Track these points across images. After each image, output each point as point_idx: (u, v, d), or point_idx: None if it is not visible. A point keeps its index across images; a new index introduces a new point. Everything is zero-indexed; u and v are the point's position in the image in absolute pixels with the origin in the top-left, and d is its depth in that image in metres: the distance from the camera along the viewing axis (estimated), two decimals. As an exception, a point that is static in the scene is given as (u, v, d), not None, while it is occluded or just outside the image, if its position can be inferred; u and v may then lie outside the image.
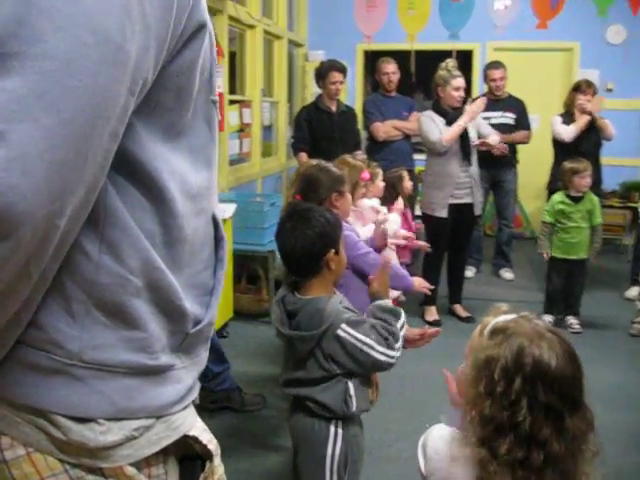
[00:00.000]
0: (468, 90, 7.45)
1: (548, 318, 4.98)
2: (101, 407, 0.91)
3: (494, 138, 4.94)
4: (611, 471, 3.04)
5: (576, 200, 4.84)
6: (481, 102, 4.83)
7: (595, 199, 4.87)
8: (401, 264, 4.45)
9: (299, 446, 2.19)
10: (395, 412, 3.52)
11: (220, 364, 3.59)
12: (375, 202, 4.19)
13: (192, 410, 1.06)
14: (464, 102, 4.94)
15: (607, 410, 3.68)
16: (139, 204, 0.91)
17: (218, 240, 1.11)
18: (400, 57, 7.03)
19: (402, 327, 2.10)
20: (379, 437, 3.22)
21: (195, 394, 1.08)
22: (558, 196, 4.93)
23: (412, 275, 5.34)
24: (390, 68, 5.96)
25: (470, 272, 6.32)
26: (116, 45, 0.75)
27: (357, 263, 2.71)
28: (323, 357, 2.01)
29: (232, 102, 5.76)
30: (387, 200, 4.32)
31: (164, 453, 1.00)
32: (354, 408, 2.06)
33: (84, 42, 0.72)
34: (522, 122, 6.14)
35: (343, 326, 1.98)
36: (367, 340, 1.99)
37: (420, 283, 3.07)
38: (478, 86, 7.58)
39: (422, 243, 4.61)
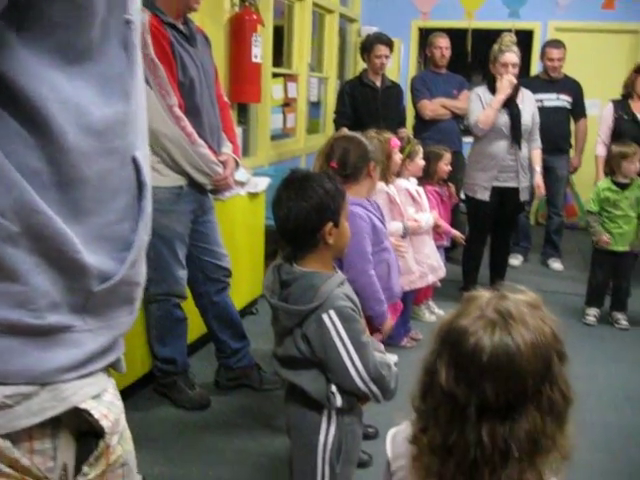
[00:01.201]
0: (527, 70, 7.18)
1: (593, 312, 4.73)
2: None
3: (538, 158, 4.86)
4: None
5: (623, 187, 4.54)
6: (508, 80, 4.53)
7: None
8: (439, 247, 4.28)
9: (292, 432, 2.06)
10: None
11: (239, 340, 3.48)
12: (412, 183, 4.01)
13: (97, 380, 0.92)
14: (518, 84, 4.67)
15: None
16: (17, 136, 0.77)
17: (140, 187, 0.96)
18: (457, 35, 6.79)
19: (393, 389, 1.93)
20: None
21: (106, 362, 0.94)
22: (604, 183, 4.63)
23: (449, 259, 5.21)
24: (443, 43, 5.72)
25: (517, 260, 6.08)
26: None
27: (347, 261, 2.49)
28: (300, 336, 1.85)
29: (276, 75, 5.62)
30: (423, 179, 4.14)
31: (54, 426, 0.87)
32: (338, 404, 1.89)
33: None
34: (578, 107, 5.83)
35: (331, 312, 1.81)
36: (347, 342, 1.81)
37: (388, 328, 2.75)
38: (537, 67, 7.25)
39: (457, 234, 4.43)
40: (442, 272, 4.17)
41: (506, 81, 4.49)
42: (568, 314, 4.85)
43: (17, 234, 0.78)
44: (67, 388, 0.86)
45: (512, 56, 4.53)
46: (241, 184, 4.08)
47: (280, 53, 5.99)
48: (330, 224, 1.88)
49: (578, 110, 5.85)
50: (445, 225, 4.34)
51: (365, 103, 5.24)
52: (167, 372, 3.31)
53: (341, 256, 2.07)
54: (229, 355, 3.47)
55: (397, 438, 1.33)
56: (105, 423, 0.90)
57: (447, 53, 5.70)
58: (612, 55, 7.26)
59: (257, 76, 4.49)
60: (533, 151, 4.81)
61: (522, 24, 7.38)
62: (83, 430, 0.91)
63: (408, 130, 5.71)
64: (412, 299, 4.30)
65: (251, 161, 5.03)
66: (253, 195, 4.34)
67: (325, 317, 1.81)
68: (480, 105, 4.61)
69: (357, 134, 2.74)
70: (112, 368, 1.00)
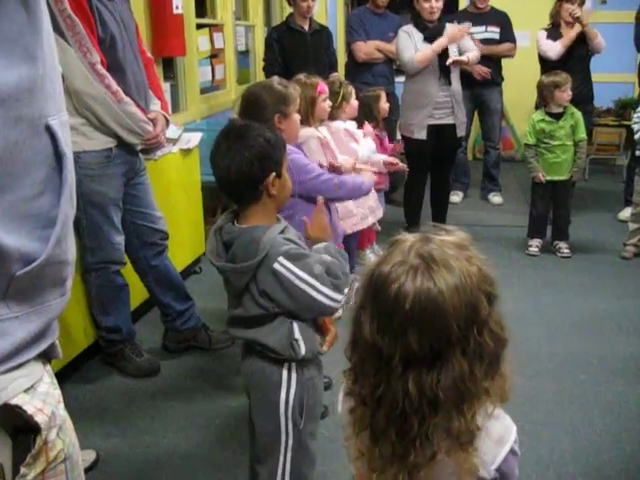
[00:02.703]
0: (456, 3, 7.11)
1: (536, 242, 4.80)
2: None
3: (473, 54, 4.65)
4: (592, 400, 2.90)
5: (557, 117, 4.57)
6: (464, 30, 4.52)
7: (578, 113, 4.59)
8: (378, 191, 4.26)
9: (251, 391, 2.02)
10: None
11: (183, 302, 3.41)
12: (350, 124, 3.95)
13: (29, 370, 0.85)
14: (442, 17, 4.61)
15: (594, 337, 3.52)
16: None
17: (59, 159, 0.87)
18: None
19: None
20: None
21: (38, 349, 0.86)
22: (538, 114, 4.65)
23: (391, 202, 5.21)
24: None
25: (457, 197, 6.11)
26: None
27: (308, 188, 2.50)
28: (258, 293, 1.79)
29: (201, 26, 5.42)
30: (361, 121, 4.07)
31: None
32: (303, 352, 1.85)
33: None
34: (507, 36, 5.79)
35: (280, 259, 1.75)
36: (307, 277, 1.77)
37: (371, 178, 3.06)
38: (465, 0, 7.18)
39: (400, 164, 4.40)
40: (380, 212, 4.18)
41: (458, 30, 4.45)
42: (511, 246, 4.92)
43: None
44: None
45: None
46: (172, 141, 3.95)
47: (203, 2, 5.77)
48: (273, 174, 1.82)
49: (507, 39, 5.80)
50: (384, 157, 4.29)
51: (294, 49, 5.11)
52: (113, 341, 3.22)
53: (282, 207, 2.00)
54: (175, 317, 3.40)
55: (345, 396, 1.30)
56: (40, 418, 0.83)
57: None
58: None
59: (180, 28, 4.31)
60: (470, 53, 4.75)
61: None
62: (19, 425, 0.84)
63: (340, 72, 5.61)
64: (356, 244, 4.28)
65: (182, 116, 4.87)
66: (186, 151, 4.21)
67: (277, 266, 1.75)
68: (410, 42, 4.54)
69: (270, 81, 2.64)
70: (47, 355, 0.92)
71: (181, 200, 4.18)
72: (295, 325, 1.86)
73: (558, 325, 3.68)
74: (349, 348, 1.17)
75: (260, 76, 6.76)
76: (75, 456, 0.94)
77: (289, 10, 5.65)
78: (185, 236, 4.21)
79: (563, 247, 4.76)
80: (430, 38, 4.50)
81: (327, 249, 1.90)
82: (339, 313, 1.98)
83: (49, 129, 0.86)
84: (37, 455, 0.85)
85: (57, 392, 0.92)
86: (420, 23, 4.58)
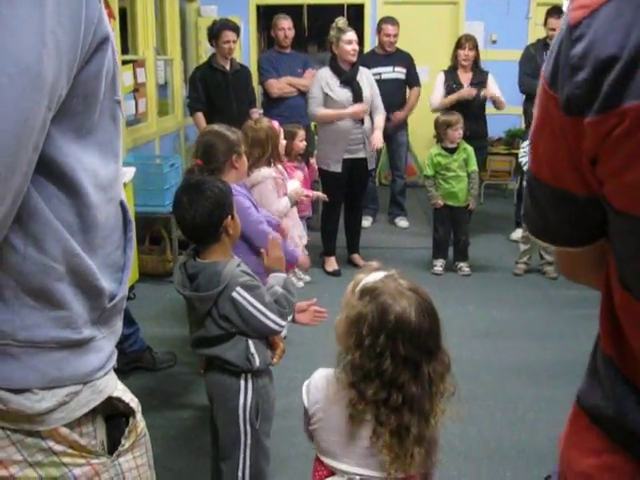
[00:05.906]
0: (361, 45, 7.64)
1: (440, 263, 5.33)
2: (34, 379, 1.04)
3: (381, 118, 5.22)
4: (494, 397, 3.38)
5: (451, 151, 5.14)
6: (362, 107, 5.00)
7: (469, 148, 5.16)
8: (302, 218, 4.66)
9: (214, 400, 2.38)
10: (299, 361, 3.70)
11: (130, 326, 3.68)
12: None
13: (113, 374, 1.20)
14: (358, 59, 5.08)
15: (494, 344, 4.04)
16: (57, 199, 1.03)
17: (126, 223, 1.24)
18: (293, 12, 7.10)
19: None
20: (286, 384, 3.41)
21: (114, 360, 1.22)
22: (434, 149, 5.22)
23: (310, 228, 5.62)
24: (286, 24, 6.05)
25: (367, 222, 6.59)
26: (35, 73, 0.86)
27: (246, 230, 2.83)
28: (219, 316, 2.18)
29: (125, 62, 5.70)
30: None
31: (92, 413, 1.14)
32: (257, 364, 2.25)
33: (8, 74, 0.84)
34: (412, 77, 6.37)
35: (238, 289, 2.15)
36: (259, 305, 2.18)
37: (304, 260, 3.50)
38: (370, 40, 7.74)
39: (319, 193, 4.82)
40: (305, 239, 4.56)
41: (360, 110, 4.95)
42: (418, 266, 5.42)
43: (63, 273, 1.04)
44: (100, 383, 1.14)
45: (353, 34, 5.00)
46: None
47: (125, 37, 6.05)
48: (229, 217, 2.22)
49: (412, 80, 6.38)
50: (307, 191, 4.73)
51: (217, 87, 5.49)
52: (64, 364, 3.46)
53: (235, 243, 2.38)
54: (121, 341, 3.61)
55: (310, 389, 1.74)
56: (134, 405, 1.19)
57: (290, 34, 6.04)
58: (436, 25, 7.92)
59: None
60: (377, 117, 5.21)
61: (353, -1, 7.86)
62: (108, 413, 1.19)
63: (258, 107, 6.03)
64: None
65: (109, 150, 5.12)
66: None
67: (235, 295, 2.15)
68: (320, 92, 5.01)
69: (221, 128, 3.00)
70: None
71: (117, 230, 4.44)
72: (250, 342, 2.26)
73: (463, 334, 4.17)
74: (374, 378, 1.59)
75: (177, 107, 7.11)
76: (148, 436, 1.30)
77: (204, 44, 6.02)
78: (121, 264, 4.46)
79: (464, 266, 5.32)
80: (346, 82, 4.97)
81: (285, 281, 2.34)
82: (284, 333, 2.40)
83: (122, 204, 1.23)
84: (131, 430, 1.20)
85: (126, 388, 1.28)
86: (337, 68, 5.02)
